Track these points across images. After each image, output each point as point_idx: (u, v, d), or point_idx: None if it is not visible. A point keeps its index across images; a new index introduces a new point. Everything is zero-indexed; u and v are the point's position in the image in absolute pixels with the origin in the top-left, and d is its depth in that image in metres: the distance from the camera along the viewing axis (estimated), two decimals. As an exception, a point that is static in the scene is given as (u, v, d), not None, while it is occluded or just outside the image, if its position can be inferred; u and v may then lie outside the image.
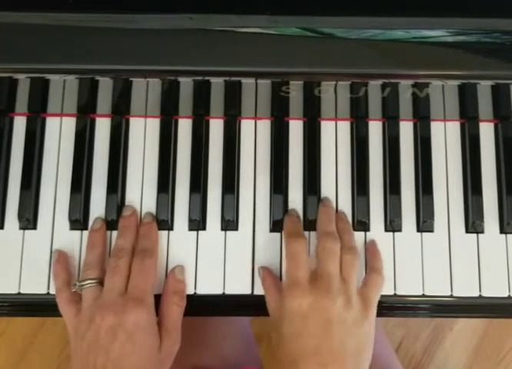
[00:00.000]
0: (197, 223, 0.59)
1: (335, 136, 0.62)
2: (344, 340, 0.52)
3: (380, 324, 0.87)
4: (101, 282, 0.56)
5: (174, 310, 0.56)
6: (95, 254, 0.57)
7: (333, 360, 0.51)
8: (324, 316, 0.52)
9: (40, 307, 0.59)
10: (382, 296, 0.58)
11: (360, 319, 0.53)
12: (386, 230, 0.60)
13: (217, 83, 0.58)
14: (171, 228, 0.60)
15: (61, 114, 0.62)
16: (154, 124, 0.62)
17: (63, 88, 0.60)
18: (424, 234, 0.60)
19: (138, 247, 0.57)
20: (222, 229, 0.60)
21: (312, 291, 0.53)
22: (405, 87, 0.56)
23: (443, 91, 0.60)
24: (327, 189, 0.61)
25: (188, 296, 0.58)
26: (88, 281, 0.55)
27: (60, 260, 0.58)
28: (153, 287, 0.56)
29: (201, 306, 0.59)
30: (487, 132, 0.62)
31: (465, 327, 1.30)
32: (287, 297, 0.54)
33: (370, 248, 0.59)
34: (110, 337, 0.52)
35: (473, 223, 0.59)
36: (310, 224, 0.59)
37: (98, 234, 0.58)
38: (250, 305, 0.58)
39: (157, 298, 0.57)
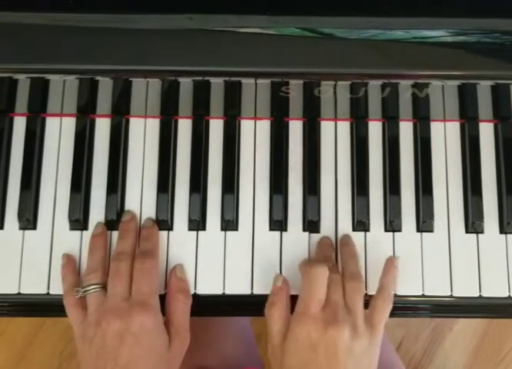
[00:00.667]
0: (197, 223, 0.59)
1: (335, 136, 0.62)
2: None
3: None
4: (104, 286, 0.56)
5: (181, 309, 0.56)
6: (97, 258, 0.57)
7: None
8: (331, 348, 0.51)
9: (40, 307, 0.59)
10: (382, 296, 0.58)
11: (367, 347, 0.53)
12: (386, 230, 0.60)
13: (217, 83, 0.58)
14: (170, 228, 0.60)
15: (61, 114, 0.62)
16: (154, 124, 0.62)
17: (63, 88, 0.60)
18: (424, 234, 0.60)
19: (139, 249, 0.58)
20: (222, 229, 0.60)
21: (322, 322, 0.52)
22: (405, 87, 0.56)
23: (443, 92, 0.60)
24: (327, 189, 0.61)
25: (188, 296, 0.58)
26: (92, 287, 0.55)
27: (68, 264, 0.58)
28: (156, 288, 0.56)
29: (201, 306, 0.59)
30: (486, 132, 0.62)
31: (465, 328, 1.30)
32: (297, 324, 0.52)
33: (387, 267, 0.57)
34: (117, 342, 0.52)
35: (473, 223, 0.59)
36: (310, 225, 0.59)
37: (99, 239, 0.58)
38: (250, 305, 0.58)
39: (161, 298, 0.56)
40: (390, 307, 0.55)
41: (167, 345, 0.54)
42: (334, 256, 0.58)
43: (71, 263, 0.58)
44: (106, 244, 0.59)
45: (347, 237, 0.59)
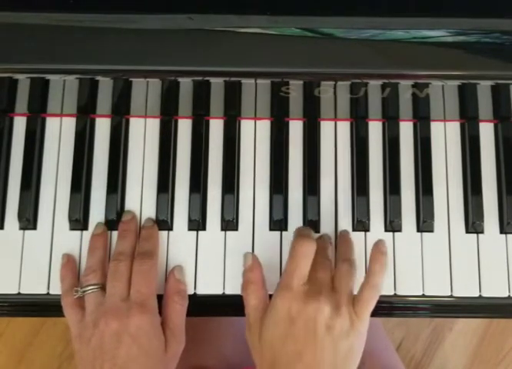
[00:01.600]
0: (197, 223, 0.59)
1: (335, 136, 0.62)
2: (328, 349, 0.51)
3: (382, 325, 0.87)
4: (103, 287, 0.56)
5: (177, 311, 0.56)
6: (96, 258, 0.57)
7: (315, 368, 0.50)
8: (310, 323, 0.51)
9: (40, 307, 0.59)
10: (382, 296, 0.58)
11: (347, 330, 0.52)
12: (386, 230, 0.60)
13: (217, 83, 0.58)
14: (170, 228, 0.60)
15: (61, 115, 0.62)
16: (154, 125, 0.62)
17: (63, 88, 0.60)
18: (424, 234, 0.60)
19: (139, 249, 0.58)
20: (222, 229, 0.60)
21: (303, 296, 0.52)
22: (405, 87, 0.56)
23: (443, 92, 0.60)
24: (327, 189, 0.61)
25: (188, 296, 0.58)
26: (90, 287, 0.55)
27: (67, 264, 0.58)
28: (155, 289, 0.56)
29: (200, 306, 0.59)
30: (487, 132, 0.62)
31: (465, 328, 1.30)
32: (279, 297, 0.53)
33: (373, 254, 0.57)
34: (115, 343, 0.52)
35: (473, 223, 0.59)
36: (310, 225, 0.59)
37: (99, 239, 0.58)
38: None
39: (159, 298, 0.57)
40: (376, 296, 0.54)
41: (163, 347, 0.54)
42: (331, 249, 0.58)
43: (70, 263, 0.58)
44: (106, 245, 0.59)
45: (345, 231, 0.60)
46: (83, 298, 0.56)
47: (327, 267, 0.55)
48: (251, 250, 0.59)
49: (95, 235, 0.59)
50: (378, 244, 0.57)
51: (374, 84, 0.55)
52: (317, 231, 0.60)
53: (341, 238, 0.59)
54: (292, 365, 0.51)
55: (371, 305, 0.54)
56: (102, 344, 0.52)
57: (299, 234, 0.56)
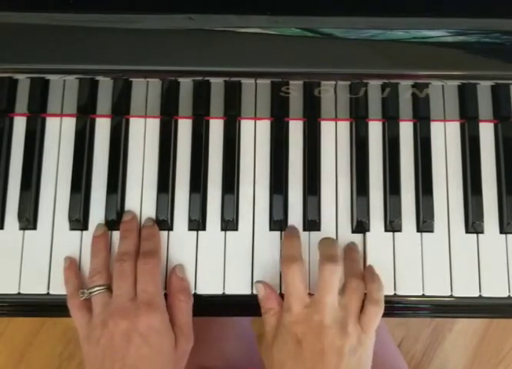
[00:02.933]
0: (197, 223, 0.59)
1: (335, 136, 0.62)
2: (337, 367, 0.51)
3: (384, 324, 0.87)
4: (109, 288, 0.56)
5: (183, 308, 0.56)
6: (100, 259, 0.57)
7: None
8: (317, 344, 0.52)
9: (40, 307, 0.59)
10: (382, 296, 0.58)
11: (356, 347, 0.52)
12: (386, 230, 0.60)
13: (217, 83, 0.58)
14: (170, 228, 0.60)
15: (61, 115, 0.62)
16: (154, 125, 0.62)
17: (63, 88, 0.60)
18: (424, 234, 0.60)
19: (142, 249, 0.58)
20: (222, 229, 0.60)
21: (306, 319, 0.52)
22: (405, 87, 0.56)
23: (443, 92, 0.60)
24: (327, 189, 0.61)
25: (188, 296, 0.58)
26: (97, 288, 0.56)
27: (70, 266, 0.58)
28: (161, 287, 0.56)
29: (201, 306, 0.59)
30: (487, 132, 0.62)
31: (465, 328, 1.30)
32: (285, 319, 0.53)
33: (368, 274, 0.57)
34: (125, 342, 0.52)
35: (473, 223, 0.59)
36: (310, 225, 0.59)
37: (101, 240, 0.58)
38: (250, 305, 0.58)
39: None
40: (381, 311, 0.55)
41: (173, 345, 0.54)
42: (338, 253, 0.56)
43: (73, 265, 0.58)
44: (108, 245, 0.59)
45: (351, 243, 0.59)
46: (89, 300, 0.56)
47: (332, 289, 0.54)
48: (250, 250, 0.59)
49: (96, 237, 0.59)
50: (370, 267, 0.58)
51: (374, 84, 0.55)
52: (318, 230, 0.60)
53: (348, 252, 0.58)
54: None
55: (377, 320, 0.55)
56: (112, 344, 0.53)
57: (285, 257, 0.56)
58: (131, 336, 0.52)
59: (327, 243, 0.58)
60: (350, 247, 0.59)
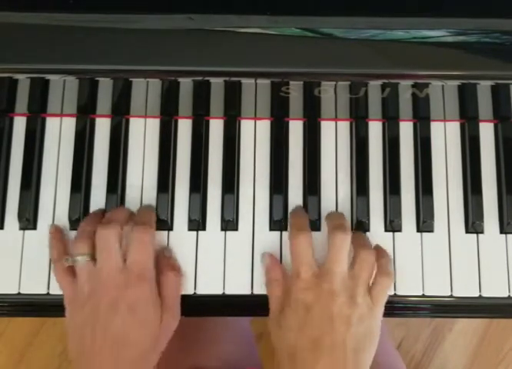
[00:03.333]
0: (197, 223, 0.59)
1: (335, 136, 0.62)
2: (345, 336, 0.52)
3: (384, 324, 0.87)
4: (93, 257, 0.55)
5: (172, 284, 0.56)
6: (89, 225, 0.56)
7: (332, 355, 0.51)
8: (326, 311, 0.52)
9: (40, 307, 0.59)
10: (382, 296, 0.58)
11: (365, 317, 0.53)
12: (386, 230, 0.60)
13: (217, 83, 0.58)
14: (170, 228, 0.60)
15: (61, 115, 0.62)
16: (154, 125, 0.62)
17: (63, 88, 0.60)
18: (424, 234, 0.60)
19: (138, 218, 0.57)
20: (222, 229, 0.60)
21: (315, 286, 0.53)
22: (405, 87, 0.56)
23: (443, 92, 0.60)
24: (327, 189, 0.61)
25: (188, 296, 0.58)
26: (80, 257, 0.54)
27: (55, 233, 0.58)
28: (153, 259, 0.55)
29: (200, 306, 0.59)
30: (487, 132, 0.62)
31: (465, 328, 1.31)
32: (293, 287, 0.54)
33: (378, 250, 0.58)
34: (111, 311, 0.52)
35: (473, 223, 0.59)
36: (310, 225, 0.59)
37: (97, 213, 0.58)
38: (250, 305, 0.58)
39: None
40: (391, 283, 0.56)
41: (159, 318, 0.54)
42: (346, 223, 0.57)
43: (58, 232, 0.58)
44: (101, 218, 0.58)
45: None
46: (73, 267, 0.55)
47: (344, 251, 0.54)
48: (250, 250, 0.59)
49: (95, 211, 0.59)
50: (377, 245, 0.59)
51: (374, 84, 0.55)
52: (318, 230, 0.60)
53: (355, 234, 0.58)
54: (310, 351, 0.51)
55: (387, 292, 0.55)
56: (97, 312, 0.52)
57: (294, 228, 0.57)
58: (118, 305, 0.52)
59: (335, 215, 0.58)
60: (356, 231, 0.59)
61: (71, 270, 0.55)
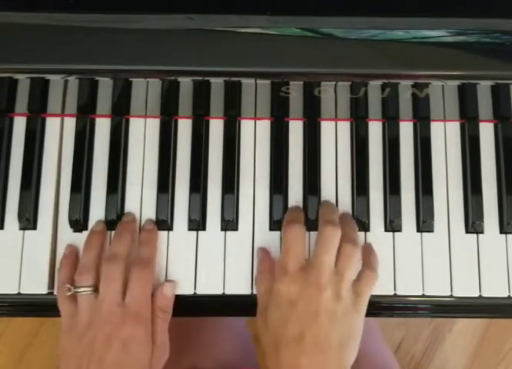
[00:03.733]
0: (197, 223, 0.59)
1: (335, 136, 0.62)
2: (329, 331, 0.51)
3: (378, 326, 0.87)
4: (96, 289, 0.55)
5: (162, 325, 0.56)
6: (92, 256, 0.57)
7: (315, 350, 0.51)
8: (311, 306, 0.52)
9: (40, 307, 0.59)
10: (382, 296, 0.58)
11: (349, 312, 0.53)
12: (386, 230, 0.60)
13: (217, 83, 0.58)
14: (170, 228, 0.60)
15: (61, 115, 0.62)
16: (154, 124, 0.62)
17: (63, 88, 0.60)
18: (424, 234, 0.60)
19: (138, 254, 0.57)
20: (222, 229, 0.60)
21: (301, 280, 0.53)
22: (405, 87, 0.56)
23: (443, 92, 0.60)
24: (327, 189, 0.61)
25: (188, 296, 0.58)
26: (83, 289, 0.55)
27: (69, 255, 0.58)
28: (150, 298, 0.56)
29: (200, 306, 0.59)
30: (487, 132, 0.62)
31: (465, 328, 1.30)
32: (278, 281, 0.54)
33: (365, 246, 0.59)
34: (105, 347, 0.53)
35: (473, 223, 0.59)
36: (310, 225, 0.59)
37: (97, 236, 0.58)
38: (249, 305, 0.58)
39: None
40: (376, 279, 0.56)
41: (150, 356, 0.55)
42: (336, 217, 0.58)
43: (72, 255, 0.58)
44: (102, 244, 0.58)
45: (347, 212, 0.60)
46: (75, 296, 0.56)
47: (332, 245, 0.55)
48: (250, 251, 0.59)
49: (94, 232, 0.59)
50: (367, 244, 0.59)
51: (374, 84, 0.55)
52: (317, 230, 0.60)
53: (343, 219, 0.59)
54: (294, 346, 0.51)
55: (372, 286, 0.55)
56: (93, 345, 0.53)
57: (287, 220, 0.57)
58: (113, 341, 0.53)
59: (328, 209, 0.58)
60: (346, 215, 0.60)
61: (74, 297, 0.56)
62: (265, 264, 0.57)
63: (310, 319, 0.52)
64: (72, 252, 0.58)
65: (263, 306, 0.55)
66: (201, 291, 0.59)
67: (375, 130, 0.62)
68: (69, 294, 0.55)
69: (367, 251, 0.58)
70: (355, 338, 0.54)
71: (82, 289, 0.55)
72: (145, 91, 0.61)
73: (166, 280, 0.58)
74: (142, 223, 0.60)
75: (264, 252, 0.58)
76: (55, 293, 0.58)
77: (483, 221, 0.59)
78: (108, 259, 0.56)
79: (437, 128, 0.62)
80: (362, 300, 0.54)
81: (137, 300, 0.55)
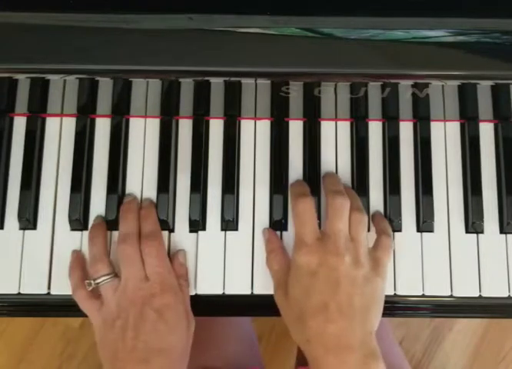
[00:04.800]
0: (197, 223, 0.59)
1: (335, 136, 0.62)
2: (352, 297, 0.52)
3: (389, 324, 0.87)
4: (115, 275, 0.56)
5: (184, 293, 0.57)
6: (99, 246, 0.57)
7: (340, 316, 0.51)
8: (332, 274, 0.52)
9: (40, 307, 0.59)
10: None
11: (370, 277, 0.54)
12: (386, 230, 0.60)
13: (217, 83, 0.58)
14: (171, 229, 0.60)
15: (61, 115, 0.62)
16: (154, 124, 0.62)
17: (63, 88, 0.60)
18: (424, 234, 0.60)
19: (143, 231, 0.58)
20: (222, 229, 0.60)
21: (320, 249, 0.53)
22: (405, 87, 0.56)
23: (443, 92, 0.60)
24: (327, 189, 0.60)
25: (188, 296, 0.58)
26: (103, 278, 0.56)
27: (77, 259, 0.58)
28: (169, 265, 0.57)
29: (201, 306, 0.59)
30: (487, 132, 0.62)
31: (465, 328, 1.31)
32: (296, 254, 0.54)
33: (377, 216, 0.59)
34: (140, 319, 0.53)
35: (473, 223, 0.59)
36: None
37: (99, 228, 0.59)
38: (250, 305, 0.58)
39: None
40: (391, 245, 0.57)
41: (187, 324, 0.55)
42: (341, 186, 0.58)
43: (79, 259, 0.58)
44: (105, 233, 0.59)
45: (345, 184, 0.60)
46: (97, 289, 0.56)
47: (344, 212, 0.55)
48: (250, 251, 0.59)
49: (94, 225, 0.59)
50: (377, 212, 0.60)
51: (374, 84, 0.55)
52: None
53: (348, 191, 0.59)
54: (318, 315, 0.52)
55: (390, 251, 0.57)
56: (127, 323, 0.53)
57: (295, 194, 0.57)
58: (147, 313, 0.53)
59: (333, 179, 0.59)
60: (346, 187, 0.60)
61: (94, 294, 0.56)
62: (274, 243, 0.58)
63: (333, 287, 0.52)
64: (78, 256, 0.59)
65: (280, 283, 0.56)
66: (201, 291, 0.59)
67: (375, 130, 0.62)
68: (90, 288, 0.56)
69: (379, 219, 0.59)
70: (377, 301, 0.54)
71: (102, 278, 0.56)
72: (145, 91, 0.61)
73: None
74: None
75: (271, 231, 0.59)
76: (52, 292, 0.58)
77: (483, 221, 0.59)
78: (121, 240, 0.57)
79: (437, 128, 0.62)
80: (381, 264, 0.55)
81: (158, 271, 0.55)
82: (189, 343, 0.56)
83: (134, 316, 0.53)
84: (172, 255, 0.58)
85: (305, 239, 0.54)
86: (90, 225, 0.60)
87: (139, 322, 0.53)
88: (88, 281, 0.56)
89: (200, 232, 0.60)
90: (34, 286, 0.58)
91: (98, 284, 0.56)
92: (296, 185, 0.59)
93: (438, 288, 0.59)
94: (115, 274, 0.56)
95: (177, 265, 0.58)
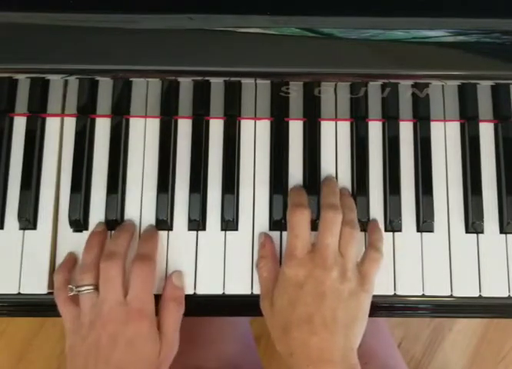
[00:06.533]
0: (197, 223, 0.59)
1: (335, 136, 0.62)
2: (336, 311, 0.52)
3: (386, 325, 0.87)
4: (97, 287, 0.55)
5: (173, 317, 0.56)
6: (92, 255, 0.57)
7: (325, 329, 0.52)
8: (318, 286, 0.53)
9: (40, 307, 0.59)
10: (382, 296, 0.58)
11: (356, 292, 0.54)
12: (386, 230, 0.60)
13: (217, 83, 0.58)
14: (170, 228, 0.60)
15: (61, 115, 0.62)
16: (154, 125, 0.62)
17: (63, 88, 0.60)
18: (424, 234, 0.60)
19: (139, 250, 0.57)
20: (222, 229, 0.60)
21: (309, 263, 0.54)
22: (405, 87, 0.56)
23: (443, 92, 0.60)
24: (327, 189, 0.60)
25: (188, 296, 0.58)
26: (85, 287, 0.55)
27: (68, 261, 0.58)
28: (153, 294, 0.56)
29: (201, 306, 0.59)
30: (487, 132, 0.62)
31: (465, 328, 1.30)
32: (286, 266, 0.55)
33: (372, 226, 0.59)
34: (111, 346, 0.52)
35: (473, 223, 0.59)
36: (310, 223, 0.59)
37: (98, 236, 0.58)
38: (250, 305, 0.58)
39: (156, 299, 0.57)
40: (381, 258, 0.57)
41: (157, 352, 0.54)
42: (338, 202, 0.58)
43: (71, 261, 0.58)
44: (104, 244, 0.58)
45: (345, 189, 0.60)
46: (77, 296, 0.56)
47: (335, 227, 0.56)
48: (250, 251, 0.59)
49: (95, 232, 0.59)
50: (374, 220, 0.60)
51: (374, 84, 0.55)
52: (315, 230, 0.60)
53: (342, 198, 0.59)
54: (303, 327, 0.52)
55: (377, 266, 0.56)
56: (98, 345, 0.53)
57: (292, 203, 0.58)
58: (118, 340, 0.53)
59: (329, 190, 0.59)
60: (344, 194, 0.60)
61: (74, 299, 0.56)
62: (267, 249, 0.58)
63: (318, 300, 0.52)
64: (70, 259, 0.58)
65: (266, 291, 0.56)
66: (201, 291, 0.59)
67: (375, 130, 0.62)
68: (71, 294, 0.55)
69: (372, 231, 0.59)
70: (361, 317, 0.54)
71: (85, 288, 0.55)
72: (145, 91, 0.61)
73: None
74: (142, 222, 0.60)
75: (267, 237, 0.59)
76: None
77: (483, 221, 0.59)
78: (104, 257, 0.56)
79: (437, 128, 0.62)
80: (367, 280, 0.55)
81: (138, 296, 0.54)
82: (162, 365, 0.55)
83: (105, 341, 0.52)
84: (167, 277, 0.58)
85: (295, 252, 0.55)
86: (90, 226, 0.60)
87: (110, 348, 0.52)
88: (70, 286, 0.56)
89: (200, 232, 0.60)
90: (34, 286, 0.58)
91: (79, 291, 0.55)
92: (295, 194, 0.59)
93: (438, 288, 0.59)
94: (97, 286, 0.55)
95: (170, 288, 0.57)
